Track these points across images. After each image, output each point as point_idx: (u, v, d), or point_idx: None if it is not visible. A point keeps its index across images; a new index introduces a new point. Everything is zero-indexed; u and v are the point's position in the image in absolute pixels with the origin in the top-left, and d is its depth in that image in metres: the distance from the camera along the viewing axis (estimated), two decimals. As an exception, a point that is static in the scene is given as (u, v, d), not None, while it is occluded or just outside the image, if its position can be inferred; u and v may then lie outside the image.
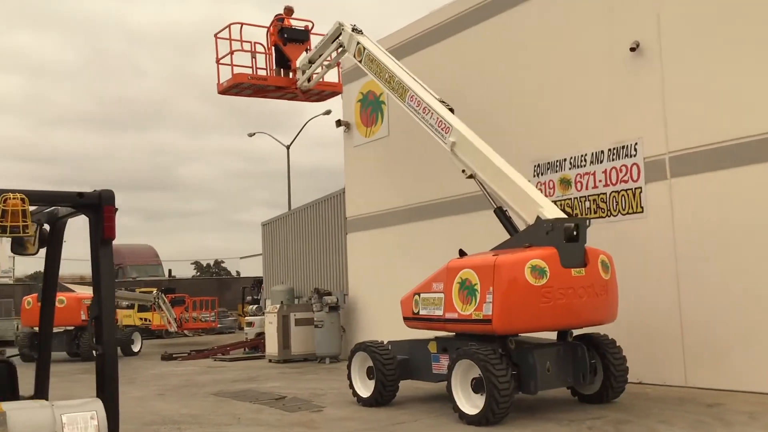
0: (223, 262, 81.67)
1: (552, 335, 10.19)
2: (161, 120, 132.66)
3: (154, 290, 29.31)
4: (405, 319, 10.98)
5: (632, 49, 11.89)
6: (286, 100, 17.98)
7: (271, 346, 18.61)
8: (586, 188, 12.71)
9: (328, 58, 15.79)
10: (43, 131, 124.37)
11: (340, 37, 14.74)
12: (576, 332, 10.12)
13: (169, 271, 44.57)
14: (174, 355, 21.59)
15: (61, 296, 22.53)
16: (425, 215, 16.02)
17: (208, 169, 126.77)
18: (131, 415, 11.12)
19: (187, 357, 21.34)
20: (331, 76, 17.25)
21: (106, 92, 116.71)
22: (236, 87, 16.95)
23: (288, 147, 40.21)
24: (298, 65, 16.76)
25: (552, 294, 9.22)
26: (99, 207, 3.99)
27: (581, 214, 12.40)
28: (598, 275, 9.66)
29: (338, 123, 18.87)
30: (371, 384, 10.86)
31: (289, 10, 17.70)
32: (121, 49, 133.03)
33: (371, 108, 17.83)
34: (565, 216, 10.00)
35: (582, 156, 12.77)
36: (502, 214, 10.76)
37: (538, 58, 13.69)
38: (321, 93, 17.88)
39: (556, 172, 13.25)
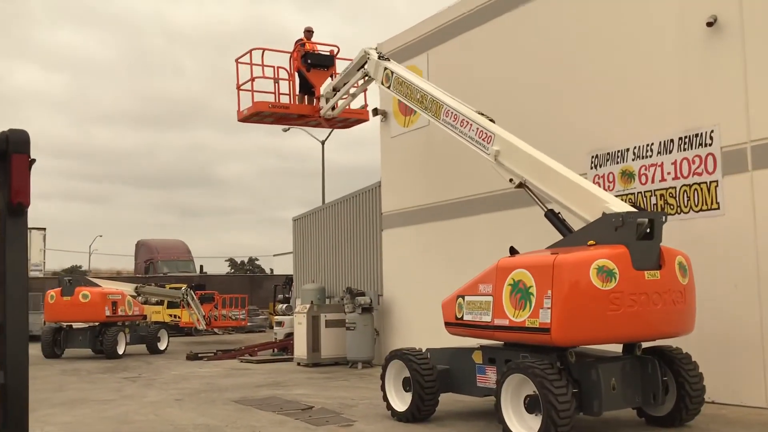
0: (257, 259, 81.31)
1: (616, 347, 8.87)
2: (199, 118, 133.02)
3: (184, 286, 28.40)
4: (447, 324, 9.74)
5: (709, 24, 10.50)
6: (310, 127, 17.68)
7: (300, 349, 17.49)
8: (652, 182, 11.32)
9: (354, 86, 15.16)
10: (84, 128, 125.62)
11: (366, 66, 14.13)
12: (644, 344, 8.79)
13: (201, 267, 43.79)
14: (199, 355, 20.60)
15: (84, 291, 21.76)
16: (468, 211, 14.75)
17: (245, 167, 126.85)
18: (142, 424, 10.11)
19: (212, 357, 20.34)
20: (357, 102, 16.58)
21: (146, 90, 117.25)
22: (257, 115, 16.51)
23: (323, 142, 39.23)
24: (322, 93, 16.18)
25: (622, 300, 7.90)
26: (5, 156, 2.64)
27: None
28: (675, 279, 8.32)
29: (375, 112, 17.70)
30: (408, 396, 9.65)
31: (308, 31, 17.09)
32: (161, 47, 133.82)
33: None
34: (636, 210, 8.65)
35: (648, 145, 11.39)
36: (554, 216, 9.51)
37: (597, 35, 12.33)
38: (346, 120, 17.27)
39: (617, 163, 11.88)
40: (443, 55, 15.77)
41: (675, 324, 8.42)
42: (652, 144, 11.32)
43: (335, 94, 15.65)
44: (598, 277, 7.84)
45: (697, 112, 10.72)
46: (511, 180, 10.19)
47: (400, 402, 9.81)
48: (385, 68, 13.43)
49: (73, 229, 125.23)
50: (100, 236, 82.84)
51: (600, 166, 12.15)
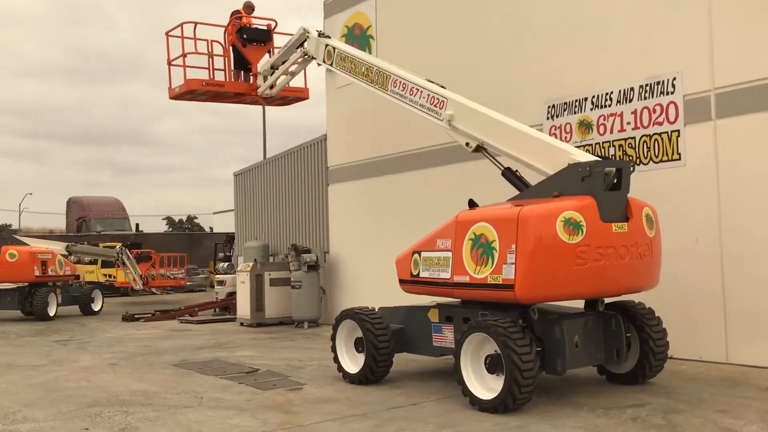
0: (196, 217, 79.80)
1: (577, 303, 8.49)
2: (135, 73, 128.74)
3: (118, 245, 27.25)
4: (401, 282, 9.22)
5: (674, -34, 10.06)
6: (247, 104, 16.83)
7: (243, 308, 16.83)
8: (611, 132, 10.93)
9: (295, 64, 14.36)
10: (13, 83, 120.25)
11: (306, 44, 13.42)
12: (606, 300, 8.43)
13: (137, 225, 42.33)
14: (136, 316, 19.73)
15: (11, 250, 20.54)
16: (420, 164, 14.18)
17: (183, 124, 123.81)
18: (73, 391, 9.35)
19: (150, 318, 19.50)
20: (297, 80, 15.76)
21: (77, 44, 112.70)
22: (190, 93, 15.68)
23: (263, 96, 38.09)
24: (259, 70, 15.32)
25: (589, 254, 7.48)
26: None
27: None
28: (643, 232, 7.94)
29: (320, 61, 16.89)
30: (360, 358, 9.14)
31: (249, 7, 16.08)
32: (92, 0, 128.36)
33: (357, 44, 15.78)
34: (602, 159, 8.21)
35: (607, 94, 10.97)
36: (512, 174, 9.05)
37: (555, -20, 11.77)
38: (285, 98, 16.52)
39: (575, 113, 11.45)
40: None
41: (641, 278, 8.07)
42: (611, 93, 10.90)
43: (273, 73, 14.89)
44: (565, 230, 7.39)
45: (659, 59, 10.30)
46: (467, 144, 9.67)
47: (352, 363, 9.30)
48: (327, 45, 12.84)
49: (2, 186, 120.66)
50: (30, 194, 79.88)
51: (557, 117, 11.70)
